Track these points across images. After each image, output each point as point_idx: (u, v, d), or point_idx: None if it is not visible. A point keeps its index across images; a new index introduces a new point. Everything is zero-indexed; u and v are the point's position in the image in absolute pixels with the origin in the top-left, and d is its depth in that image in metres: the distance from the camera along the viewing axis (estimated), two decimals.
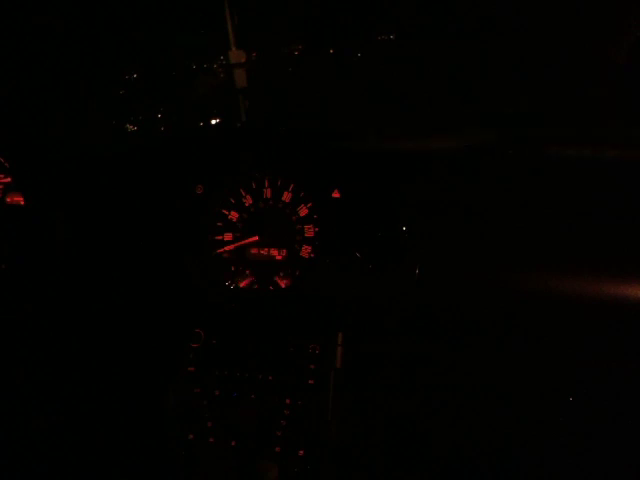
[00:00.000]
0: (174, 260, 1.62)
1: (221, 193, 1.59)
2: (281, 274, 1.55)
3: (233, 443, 1.47)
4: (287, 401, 1.47)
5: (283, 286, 1.55)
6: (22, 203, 1.76)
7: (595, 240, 1.34)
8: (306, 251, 1.53)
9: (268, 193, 1.57)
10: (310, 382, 1.48)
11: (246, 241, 1.57)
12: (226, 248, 1.59)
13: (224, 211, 1.59)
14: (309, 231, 1.53)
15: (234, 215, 1.59)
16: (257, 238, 1.57)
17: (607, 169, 1.54)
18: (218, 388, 1.52)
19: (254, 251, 1.58)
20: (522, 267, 1.36)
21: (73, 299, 1.78)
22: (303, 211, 1.53)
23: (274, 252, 1.57)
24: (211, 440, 1.49)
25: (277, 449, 1.44)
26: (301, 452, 1.44)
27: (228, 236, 1.59)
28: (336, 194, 1.50)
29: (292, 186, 1.54)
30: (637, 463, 1.43)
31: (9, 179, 1.77)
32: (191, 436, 1.50)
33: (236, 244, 1.58)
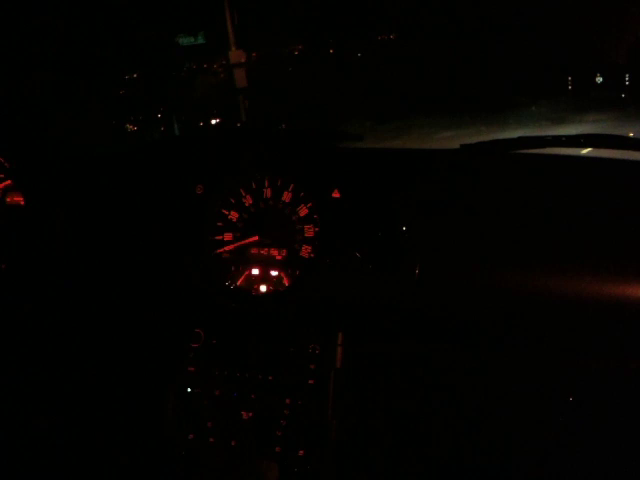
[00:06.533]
0: (174, 260, 1.61)
1: (221, 193, 1.59)
2: (281, 274, 1.55)
3: (233, 443, 1.47)
4: (287, 401, 1.47)
5: (283, 286, 1.55)
6: (22, 203, 1.76)
7: (595, 240, 1.34)
8: (306, 251, 1.53)
9: (268, 193, 1.56)
10: (310, 382, 1.48)
11: (246, 241, 1.57)
12: (226, 248, 1.58)
13: (224, 211, 1.59)
14: (309, 231, 1.53)
15: (234, 215, 1.59)
16: (257, 238, 1.57)
17: (606, 169, 1.54)
18: (218, 388, 1.52)
19: (254, 251, 1.58)
20: (522, 267, 1.36)
21: (73, 299, 1.78)
22: (303, 211, 1.53)
23: (274, 252, 1.56)
24: (211, 440, 1.49)
25: (277, 449, 1.44)
26: (301, 452, 1.44)
27: (228, 236, 1.59)
28: (336, 194, 1.49)
29: (292, 186, 1.54)
30: (637, 463, 1.43)
31: (9, 180, 1.77)
32: (191, 436, 1.50)
33: (236, 244, 1.58)
